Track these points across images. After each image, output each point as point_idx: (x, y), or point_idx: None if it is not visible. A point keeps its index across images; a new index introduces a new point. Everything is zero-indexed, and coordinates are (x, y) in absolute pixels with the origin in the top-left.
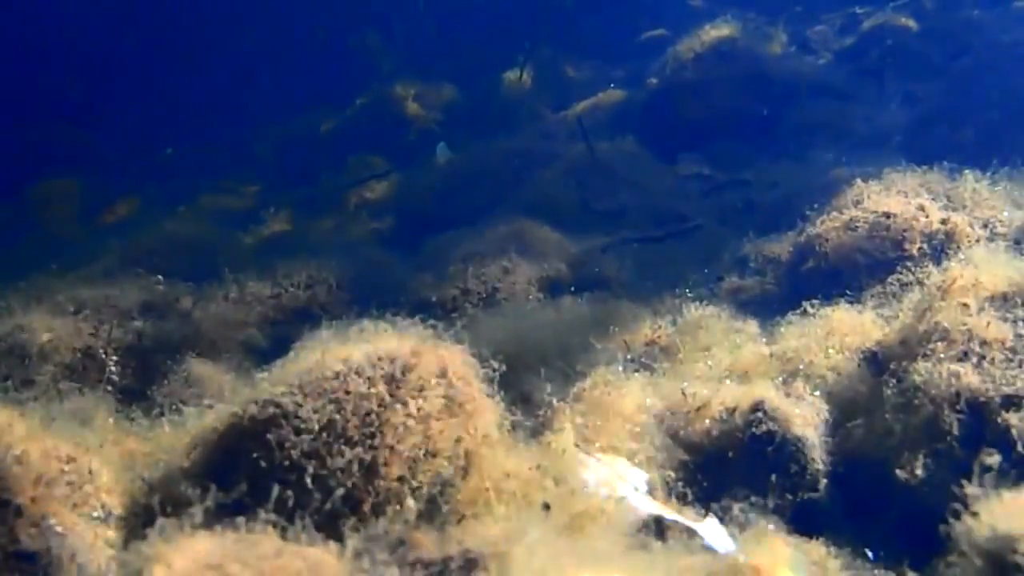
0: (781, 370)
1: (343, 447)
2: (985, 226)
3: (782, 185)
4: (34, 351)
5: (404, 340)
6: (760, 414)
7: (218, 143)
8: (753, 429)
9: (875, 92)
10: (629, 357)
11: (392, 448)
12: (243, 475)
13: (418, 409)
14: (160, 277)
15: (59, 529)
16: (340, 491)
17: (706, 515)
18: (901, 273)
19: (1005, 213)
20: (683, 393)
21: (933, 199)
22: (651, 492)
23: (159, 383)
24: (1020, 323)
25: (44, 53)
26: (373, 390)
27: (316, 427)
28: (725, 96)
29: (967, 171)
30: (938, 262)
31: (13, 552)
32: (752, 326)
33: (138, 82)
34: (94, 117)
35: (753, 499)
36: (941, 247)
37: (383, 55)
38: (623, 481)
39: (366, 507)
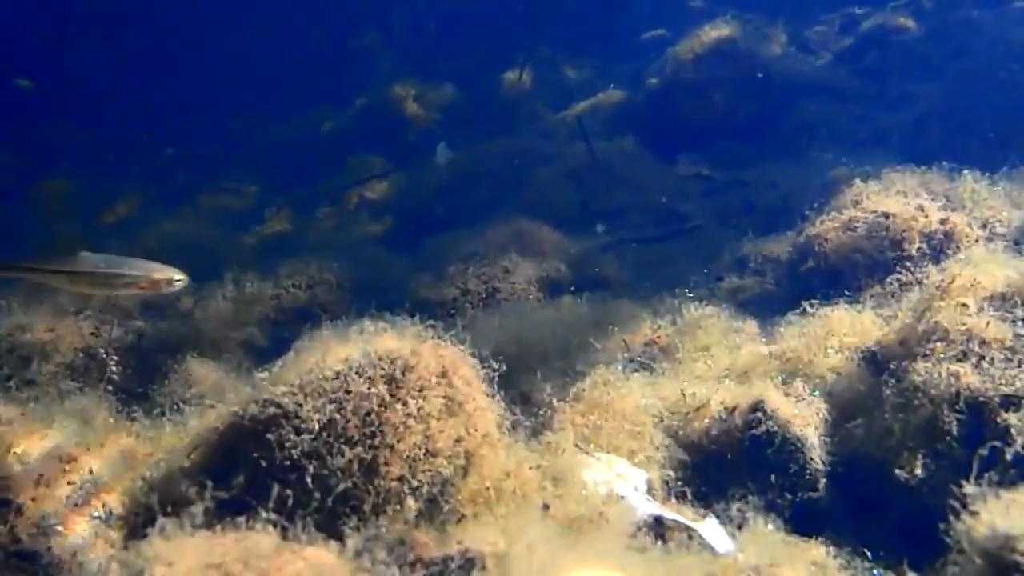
0: (780, 370)
1: (343, 447)
2: (984, 226)
3: (782, 185)
4: (36, 351)
5: (404, 340)
6: (759, 414)
7: (218, 143)
8: (752, 429)
9: (874, 92)
10: (629, 357)
11: (392, 448)
12: (244, 475)
13: (418, 409)
14: None
15: (60, 528)
16: (340, 490)
17: (705, 515)
18: (900, 273)
19: (1004, 213)
20: (682, 393)
21: (932, 199)
22: (651, 492)
23: (160, 383)
24: (1019, 323)
25: (45, 54)
26: (373, 390)
27: (316, 427)
28: (725, 96)
29: (966, 171)
30: (937, 262)
31: (14, 551)
32: (752, 326)
33: (138, 82)
34: (94, 117)
35: (752, 499)
36: (940, 247)
37: (383, 55)
38: (623, 481)
39: (366, 507)
